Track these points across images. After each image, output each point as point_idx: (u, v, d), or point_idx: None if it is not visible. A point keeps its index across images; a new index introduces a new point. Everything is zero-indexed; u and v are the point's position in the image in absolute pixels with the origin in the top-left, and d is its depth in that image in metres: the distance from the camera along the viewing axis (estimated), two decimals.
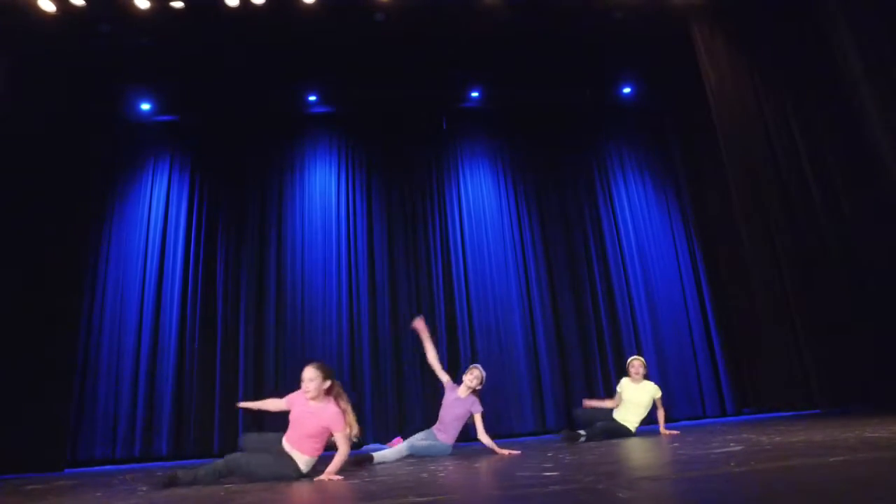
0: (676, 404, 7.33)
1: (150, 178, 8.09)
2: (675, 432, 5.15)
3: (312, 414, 3.48)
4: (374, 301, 7.68)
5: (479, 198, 8.33)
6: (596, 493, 1.92)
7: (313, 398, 3.49)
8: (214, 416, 7.10)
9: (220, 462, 3.43)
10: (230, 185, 8.14)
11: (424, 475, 3.01)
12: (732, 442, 3.42)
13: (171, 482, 3.32)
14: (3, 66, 6.29)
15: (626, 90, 8.62)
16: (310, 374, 3.49)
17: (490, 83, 8.33)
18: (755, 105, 6.59)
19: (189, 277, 7.66)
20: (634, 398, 5.36)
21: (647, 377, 5.47)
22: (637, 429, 5.34)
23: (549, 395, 7.38)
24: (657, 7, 6.87)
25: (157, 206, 7.95)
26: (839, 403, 5.69)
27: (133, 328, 7.32)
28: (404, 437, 5.62)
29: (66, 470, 6.23)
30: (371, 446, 6.81)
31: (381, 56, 7.44)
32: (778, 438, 3.37)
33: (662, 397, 5.44)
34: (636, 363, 5.45)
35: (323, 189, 8.24)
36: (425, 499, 2.10)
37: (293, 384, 7.29)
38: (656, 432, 5.27)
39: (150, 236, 7.80)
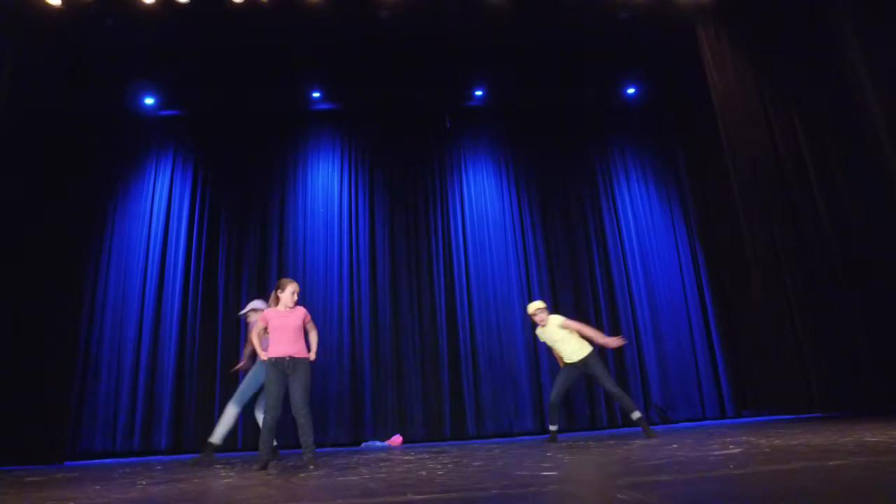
0: (676, 405, 7.33)
1: (153, 173, 8.12)
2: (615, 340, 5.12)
3: (290, 315, 4.19)
4: (376, 297, 7.69)
5: (482, 196, 8.33)
6: (594, 494, 1.92)
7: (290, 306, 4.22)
8: (214, 411, 7.12)
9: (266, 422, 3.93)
10: (233, 180, 8.16)
11: (423, 473, 3.01)
12: (731, 444, 3.42)
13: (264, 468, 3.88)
14: (9, 60, 6.29)
15: (631, 90, 8.60)
16: (296, 288, 4.27)
17: (494, 82, 8.32)
18: (759, 107, 6.58)
19: (191, 272, 7.68)
20: (550, 339, 5.30)
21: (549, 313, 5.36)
22: (578, 357, 5.16)
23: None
24: (663, 8, 6.86)
25: (160, 201, 7.97)
26: (839, 407, 5.69)
27: (134, 322, 7.35)
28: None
29: (67, 462, 6.25)
30: (370, 443, 6.84)
31: (385, 54, 7.44)
32: (777, 441, 3.37)
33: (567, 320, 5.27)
34: (532, 311, 5.34)
35: (325, 186, 8.25)
36: (424, 496, 2.11)
37: None
38: (636, 435, 5.20)
39: (152, 231, 7.83)
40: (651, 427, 5.08)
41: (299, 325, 4.21)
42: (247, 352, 5.16)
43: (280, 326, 4.13)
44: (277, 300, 4.26)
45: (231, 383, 7.21)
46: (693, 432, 5.29)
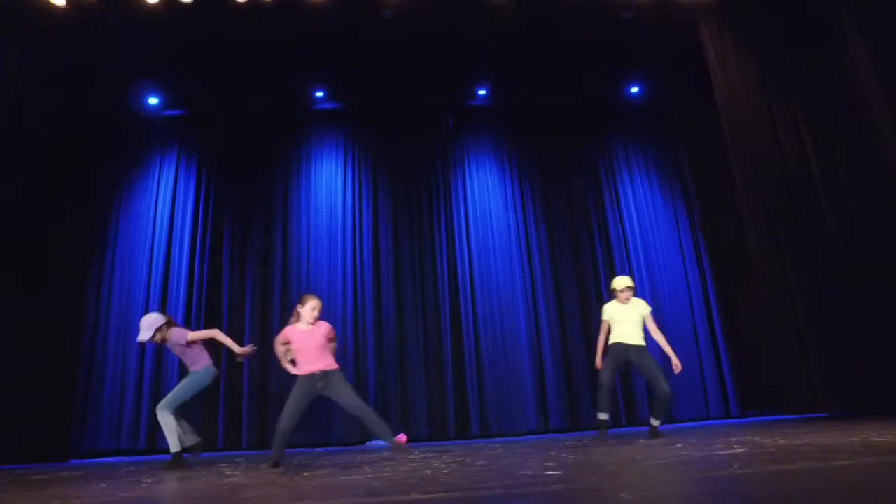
0: (680, 405, 7.31)
1: (157, 172, 8.14)
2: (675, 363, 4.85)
3: (313, 335, 4.15)
4: (379, 297, 7.69)
5: (485, 196, 8.32)
6: (598, 494, 1.92)
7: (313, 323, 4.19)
8: (219, 410, 7.15)
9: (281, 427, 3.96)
10: (237, 180, 8.17)
11: (427, 472, 3.02)
12: (736, 444, 3.41)
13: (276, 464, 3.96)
14: (13, 60, 6.32)
15: (634, 89, 8.57)
16: (317, 304, 4.22)
17: (497, 81, 8.30)
18: (763, 106, 6.55)
19: (195, 271, 7.70)
20: (625, 316, 5.00)
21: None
22: (638, 341, 4.93)
23: (552, 395, 7.37)
24: (666, 6, 6.84)
25: (164, 200, 7.99)
26: (845, 407, 5.66)
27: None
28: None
29: (72, 461, 6.28)
30: (373, 443, 6.84)
31: (388, 53, 7.43)
32: (782, 441, 3.36)
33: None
34: (629, 283, 5.06)
35: (329, 185, 8.25)
36: (428, 496, 2.11)
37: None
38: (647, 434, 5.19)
39: (156, 230, 7.84)
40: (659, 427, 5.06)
41: (323, 343, 4.17)
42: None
43: (303, 348, 4.10)
44: (298, 317, 4.20)
45: (235, 378, 7.25)
46: (697, 432, 5.28)
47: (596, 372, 7.43)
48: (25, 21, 6.35)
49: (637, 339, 4.94)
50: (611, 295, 5.29)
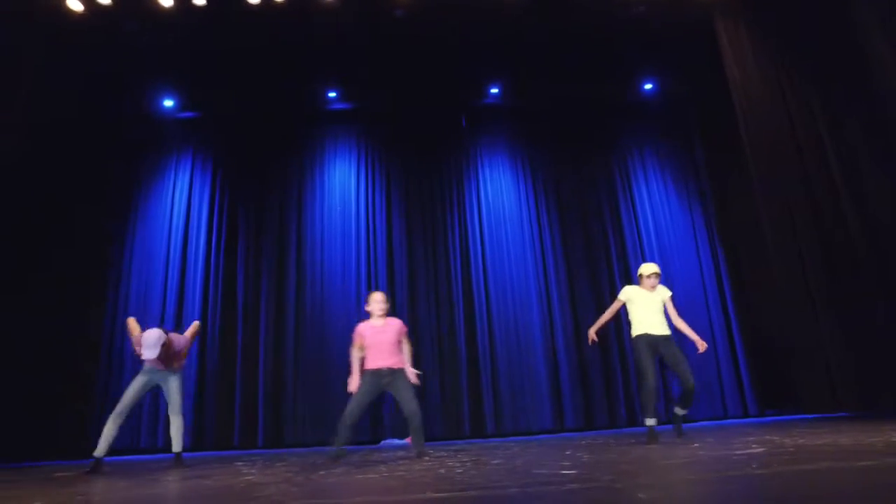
0: (697, 404, 7.23)
1: (173, 174, 8.24)
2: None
3: (385, 331, 4.22)
4: (393, 296, 7.70)
5: (499, 194, 8.30)
6: (614, 493, 1.91)
7: (381, 316, 4.27)
8: (234, 409, 7.22)
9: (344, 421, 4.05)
10: (251, 180, 8.24)
11: (442, 471, 3.02)
12: (754, 443, 3.37)
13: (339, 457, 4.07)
14: (32, 64, 6.44)
15: (648, 86, 8.50)
16: (383, 297, 4.31)
17: (509, 80, 8.28)
18: (781, 101, 6.46)
19: (210, 272, 7.78)
20: (650, 302, 4.71)
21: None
22: (664, 331, 4.60)
23: (567, 394, 7.34)
24: (681, 1, 6.77)
25: (180, 201, 8.09)
26: (867, 406, 5.56)
27: (156, 322, 7.46)
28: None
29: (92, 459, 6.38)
30: (388, 441, 6.87)
31: (400, 52, 7.45)
32: (802, 441, 3.31)
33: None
34: (657, 269, 4.77)
35: (342, 185, 8.29)
36: (443, 494, 2.11)
37: (312, 378, 7.38)
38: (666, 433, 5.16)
39: (172, 230, 7.95)
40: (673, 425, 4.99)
41: (395, 340, 4.22)
42: None
43: (374, 343, 4.18)
44: (371, 315, 4.33)
45: (251, 378, 7.31)
46: (715, 431, 5.22)
47: (611, 371, 7.47)
48: (45, 27, 6.46)
49: (663, 329, 4.67)
50: (629, 281, 5.10)
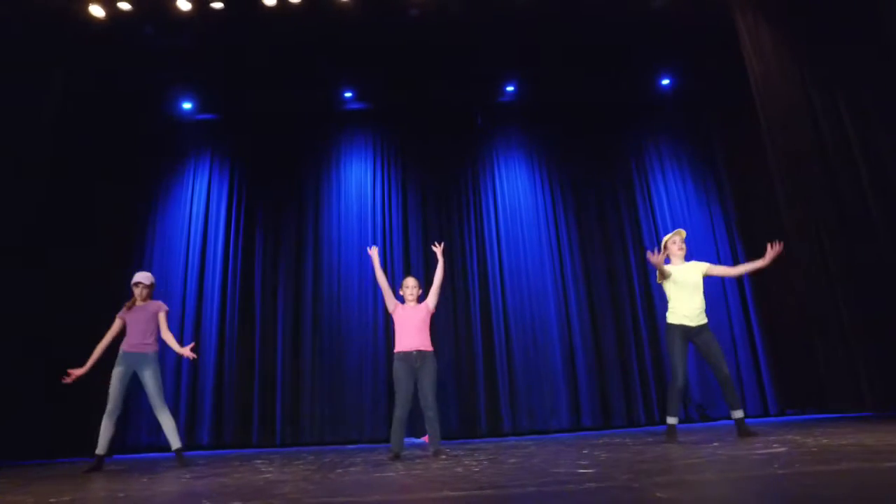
0: (716, 403, 7.14)
1: (191, 175, 8.35)
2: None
3: (415, 310, 4.46)
4: None
5: (515, 192, 8.28)
6: (633, 492, 1.89)
7: (413, 300, 4.50)
8: (253, 407, 7.30)
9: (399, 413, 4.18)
10: (268, 181, 8.32)
11: (459, 469, 3.02)
12: (776, 443, 3.31)
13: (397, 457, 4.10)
14: (57, 70, 6.57)
15: (665, 82, 8.40)
16: (415, 283, 4.55)
17: (525, 77, 8.25)
18: (802, 95, 6.31)
19: (229, 272, 7.88)
20: (685, 280, 4.36)
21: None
22: (702, 321, 4.32)
23: (584, 391, 7.30)
24: None
25: (198, 203, 8.20)
26: (892, 405, 5.43)
27: (176, 321, 7.57)
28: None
29: (115, 456, 6.51)
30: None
31: (415, 51, 7.46)
32: (825, 441, 3.25)
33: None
34: (678, 240, 4.49)
35: (359, 184, 8.34)
36: (460, 493, 2.11)
37: (330, 377, 7.42)
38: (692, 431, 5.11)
39: (191, 232, 8.05)
40: (692, 425, 4.93)
41: (424, 318, 4.43)
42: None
43: (403, 325, 4.38)
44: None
45: (269, 376, 7.39)
46: (734, 430, 5.14)
47: (629, 369, 7.40)
48: (68, 35, 6.59)
49: (700, 318, 4.30)
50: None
